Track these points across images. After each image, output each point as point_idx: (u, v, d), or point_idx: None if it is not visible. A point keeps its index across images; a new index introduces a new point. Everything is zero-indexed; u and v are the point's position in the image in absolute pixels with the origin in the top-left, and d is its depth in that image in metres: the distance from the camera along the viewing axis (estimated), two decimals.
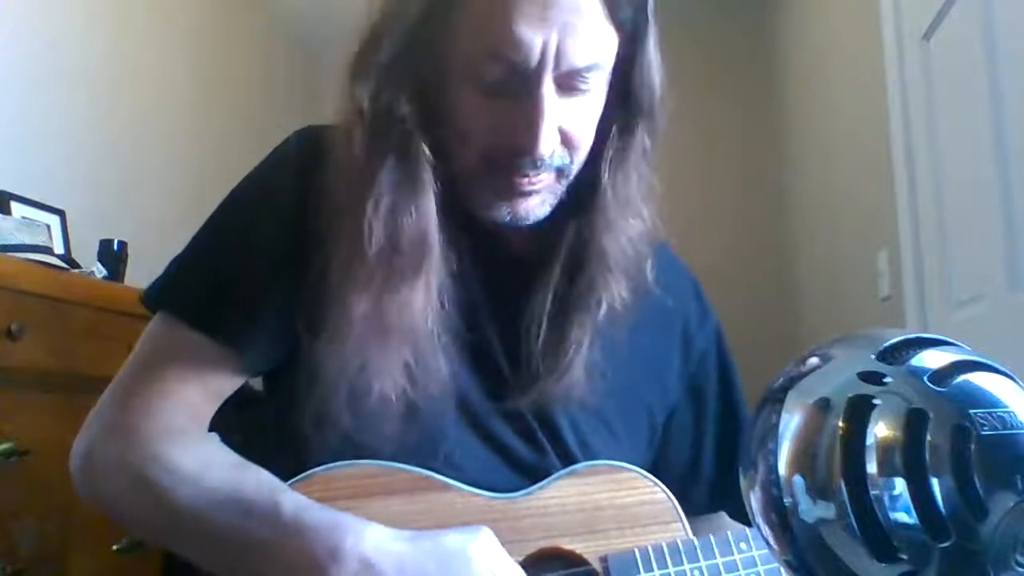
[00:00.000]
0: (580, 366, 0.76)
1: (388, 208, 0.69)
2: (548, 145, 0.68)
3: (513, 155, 0.69)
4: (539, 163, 0.69)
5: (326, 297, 0.69)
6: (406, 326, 0.70)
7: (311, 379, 0.69)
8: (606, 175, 0.74)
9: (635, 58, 0.72)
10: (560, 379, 0.75)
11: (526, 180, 0.70)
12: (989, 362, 0.39)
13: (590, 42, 0.67)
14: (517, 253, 0.79)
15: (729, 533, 0.75)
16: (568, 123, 0.70)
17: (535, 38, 0.64)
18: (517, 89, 0.67)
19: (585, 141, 0.72)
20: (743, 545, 0.74)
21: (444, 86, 0.70)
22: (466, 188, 0.72)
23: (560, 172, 0.72)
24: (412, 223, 0.69)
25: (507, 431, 0.76)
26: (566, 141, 0.71)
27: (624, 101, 0.74)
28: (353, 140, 0.70)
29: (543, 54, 0.65)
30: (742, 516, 0.42)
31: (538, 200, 0.72)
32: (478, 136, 0.69)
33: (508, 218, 0.72)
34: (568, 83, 0.68)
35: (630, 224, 0.77)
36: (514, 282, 0.77)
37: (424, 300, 0.70)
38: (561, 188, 0.74)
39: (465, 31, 0.67)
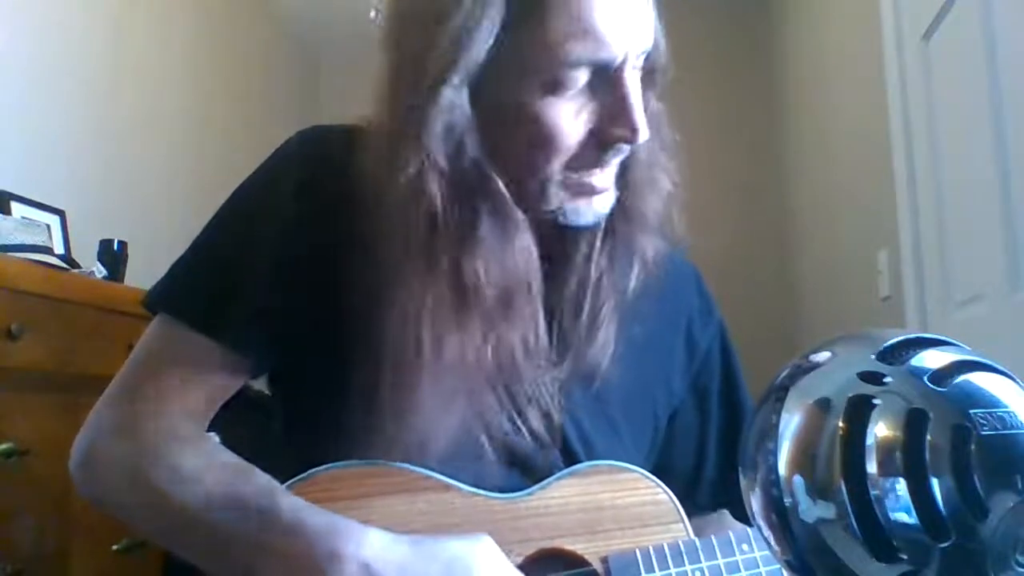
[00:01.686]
0: (612, 334, 0.76)
1: (496, 260, 0.68)
2: (643, 125, 0.68)
3: (609, 148, 0.69)
4: (624, 150, 0.70)
5: (401, 344, 0.68)
6: (508, 366, 0.71)
7: (374, 412, 0.68)
8: None
9: None
10: (597, 348, 0.76)
11: (604, 173, 0.71)
12: (989, 362, 0.39)
13: (652, 22, 0.69)
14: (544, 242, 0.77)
15: (731, 534, 0.75)
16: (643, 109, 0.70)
17: (619, 34, 0.65)
18: (602, 87, 0.67)
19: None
20: (745, 546, 0.74)
21: (516, 110, 0.68)
22: (535, 199, 0.71)
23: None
24: (520, 264, 0.70)
25: (507, 428, 0.76)
26: None
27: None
28: (428, 192, 0.66)
29: (626, 46, 0.66)
30: (745, 515, 0.42)
31: (610, 194, 0.73)
32: (570, 145, 0.68)
33: (588, 218, 0.72)
34: (636, 66, 0.69)
35: (658, 182, 0.77)
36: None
37: (532, 336, 0.72)
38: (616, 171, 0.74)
39: (541, 44, 0.65)
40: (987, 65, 1.43)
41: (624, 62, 0.66)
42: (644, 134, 0.68)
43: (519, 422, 0.76)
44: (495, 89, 0.67)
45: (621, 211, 0.75)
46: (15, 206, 1.82)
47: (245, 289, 0.73)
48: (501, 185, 0.68)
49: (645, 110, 0.70)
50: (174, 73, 2.71)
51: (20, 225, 1.73)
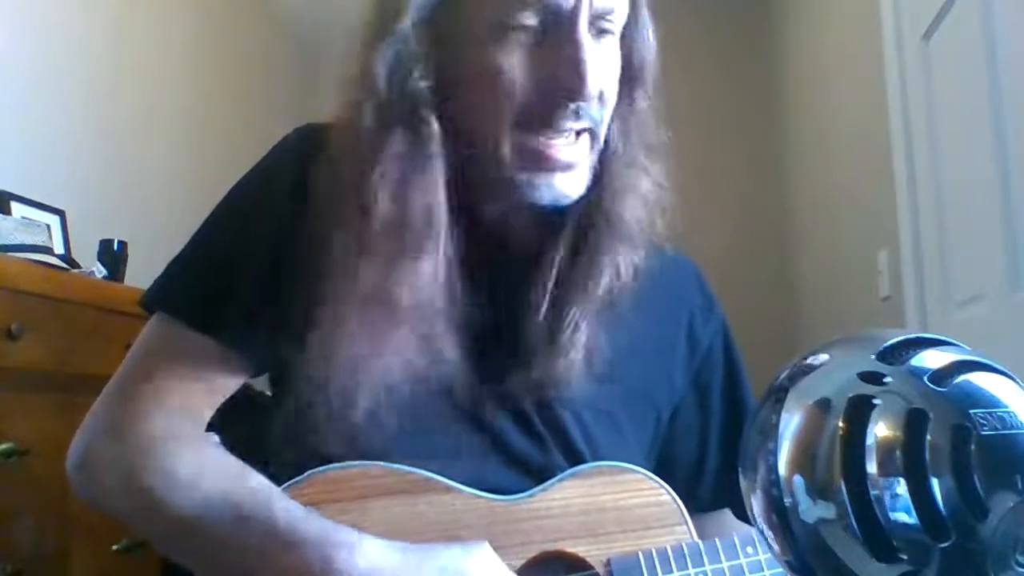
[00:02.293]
0: (581, 342, 0.75)
1: (395, 179, 0.68)
2: (595, 82, 0.68)
3: (556, 104, 0.68)
4: (580, 110, 0.68)
5: (327, 275, 0.68)
6: (415, 303, 0.69)
7: (315, 366, 0.68)
8: (611, 140, 0.75)
9: (632, 21, 0.74)
10: (560, 356, 0.74)
11: (563, 141, 0.69)
12: (989, 362, 0.39)
13: None
14: (517, 242, 0.77)
15: (735, 536, 0.74)
16: (600, 71, 0.69)
17: None
18: (553, 34, 0.67)
19: (612, 96, 0.72)
20: (749, 549, 0.74)
21: (468, 52, 0.68)
22: (491, 162, 0.70)
23: (592, 135, 0.72)
24: (420, 195, 0.69)
25: (508, 426, 0.75)
26: (599, 94, 0.70)
27: (624, 66, 0.74)
28: (362, 112, 0.69)
29: None
30: (746, 515, 0.42)
31: (576, 175, 0.71)
32: (516, 93, 0.68)
33: (549, 197, 0.71)
34: (597, 25, 0.69)
35: (638, 184, 0.77)
36: (509, 271, 0.76)
37: (432, 277, 0.70)
38: (593, 159, 0.73)
39: None
40: (987, 65, 1.43)
41: (576, 13, 0.66)
42: (593, 87, 0.68)
43: (519, 421, 0.76)
44: (448, 29, 0.68)
45: (599, 214, 0.75)
46: (15, 206, 1.82)
47: (241, 287, 0.73)
48: (434, 126, 0.69)
49: (638, 94, 0.71)
50: (174, 73, 2.71)
51: (20, 225, 1.73)
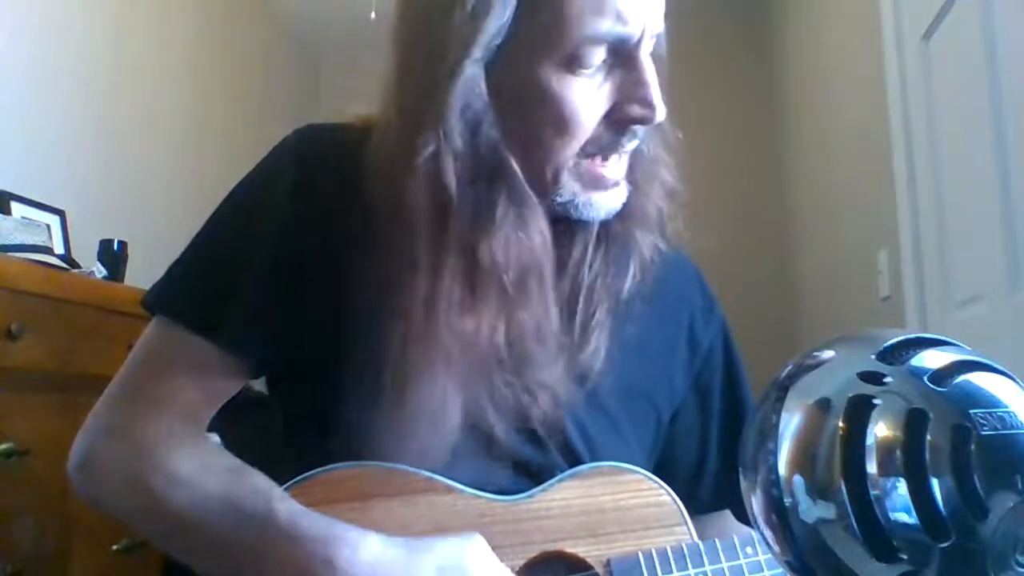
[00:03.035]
0: (604, 340, 0.75)
1: (513, 243, 0.68)
2: (663, 107, 0.68)
3: (624, 131, 0.69)
4: (636, 131, 0.70)
5: (388, 319, 0.67)
6: (520, 351, 0.70)
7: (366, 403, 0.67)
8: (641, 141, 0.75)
9: None
10: (584, 353, 0.75)
11: (618, 164, 0.71)
12: (989, 362, 0.39)
13: (663, 3, 0.69)
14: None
15: (735, 537, 0.75)
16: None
17: (637, 11, 0.65)
18: (619, 63, 0.67)
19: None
20: (749, 549, 0.74)
21: (533, 91, 0.67)
22: (549, 188, 0.71)
23: (636, 149, 0.73)
24: (533, 250, 0.69)
25: (507, 427, 0.75)
26: None
27: None
28: (443, 174, 0.66)
29: (643, 23, 0.66)
30: (746, 516, 0.42)
31: (623, 187, 0.73)
32: (584, 120, 0.68)
33: (601, 212, 0.72)
34: (650, 45, 0.69)
35: (662, 178, 0.78)
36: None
37: (541, 321, 0.71)
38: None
39: (560, 19, 0.65)
40: (987, 65, 1.43)
41: (640, 40, 0.67)
42: (661, 112, 0.68)
43: (521, 422, 0.76)
44: (511, 70, 0.67)
45: (626, 209, 0.75)
46: (15, 206, 1.82)
47: (242, 290, 0.73)
48: (517, 169, 0.68)
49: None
50: (174, 73, 2.71)
51: (20, 225, 1.73)
